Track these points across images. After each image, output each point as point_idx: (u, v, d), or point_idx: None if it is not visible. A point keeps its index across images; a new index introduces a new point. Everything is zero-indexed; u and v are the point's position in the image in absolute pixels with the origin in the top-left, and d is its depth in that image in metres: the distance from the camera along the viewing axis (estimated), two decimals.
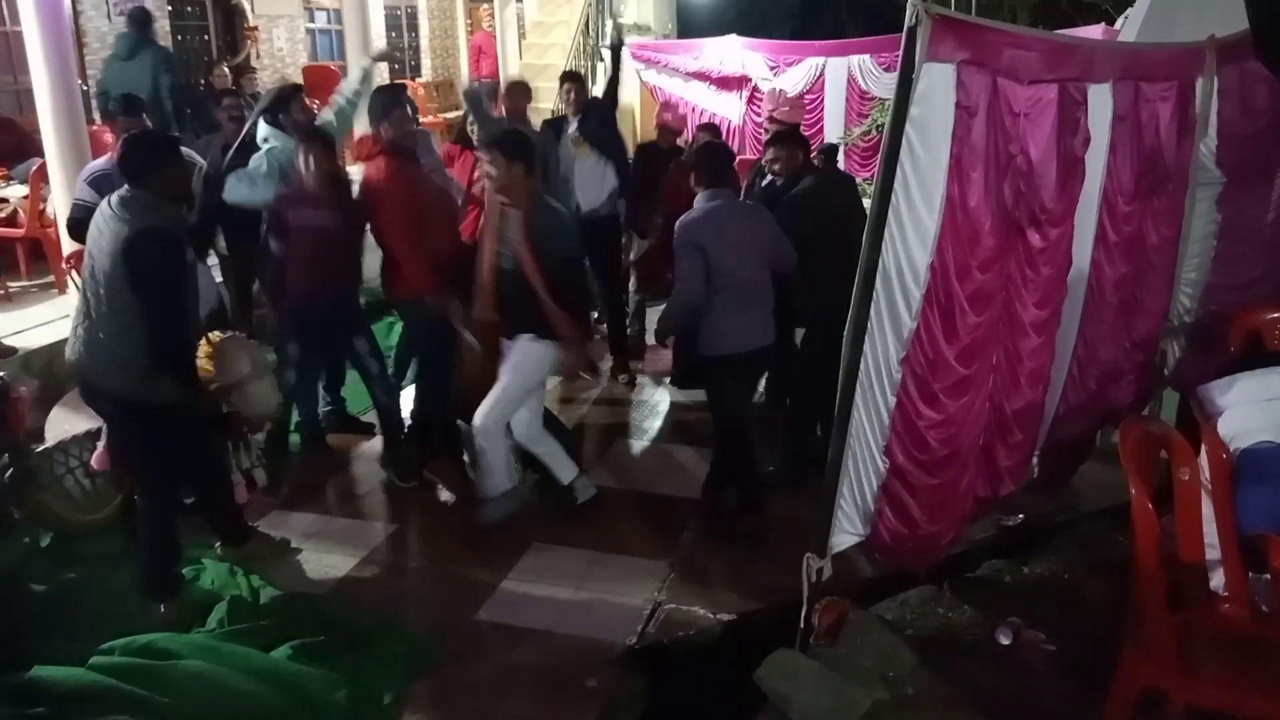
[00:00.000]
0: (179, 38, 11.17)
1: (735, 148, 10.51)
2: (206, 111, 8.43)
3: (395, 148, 4.73)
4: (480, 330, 4.39)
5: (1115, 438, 4.51)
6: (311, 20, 13.56)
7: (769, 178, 5.23)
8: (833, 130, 11.42)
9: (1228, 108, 4.26)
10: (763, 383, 5.26)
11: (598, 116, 6.28)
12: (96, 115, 8.36)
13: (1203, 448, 3.14)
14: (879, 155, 2.97)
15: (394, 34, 15.14)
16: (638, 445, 5.54)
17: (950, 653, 3.60)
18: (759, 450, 4.71)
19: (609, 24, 13.55)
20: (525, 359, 4.26)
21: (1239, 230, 4.51)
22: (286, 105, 5.50)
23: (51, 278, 6.88)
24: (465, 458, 4.84)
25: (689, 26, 16.30)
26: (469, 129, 5.90)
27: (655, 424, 5.87)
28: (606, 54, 12.85)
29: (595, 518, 4.71)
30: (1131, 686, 2.96)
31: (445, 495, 4.91)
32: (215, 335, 4.21)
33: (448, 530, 4.61)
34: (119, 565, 4.08)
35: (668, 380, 6.52)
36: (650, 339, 7.14)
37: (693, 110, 11.50)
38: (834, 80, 11.48)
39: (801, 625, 3.39)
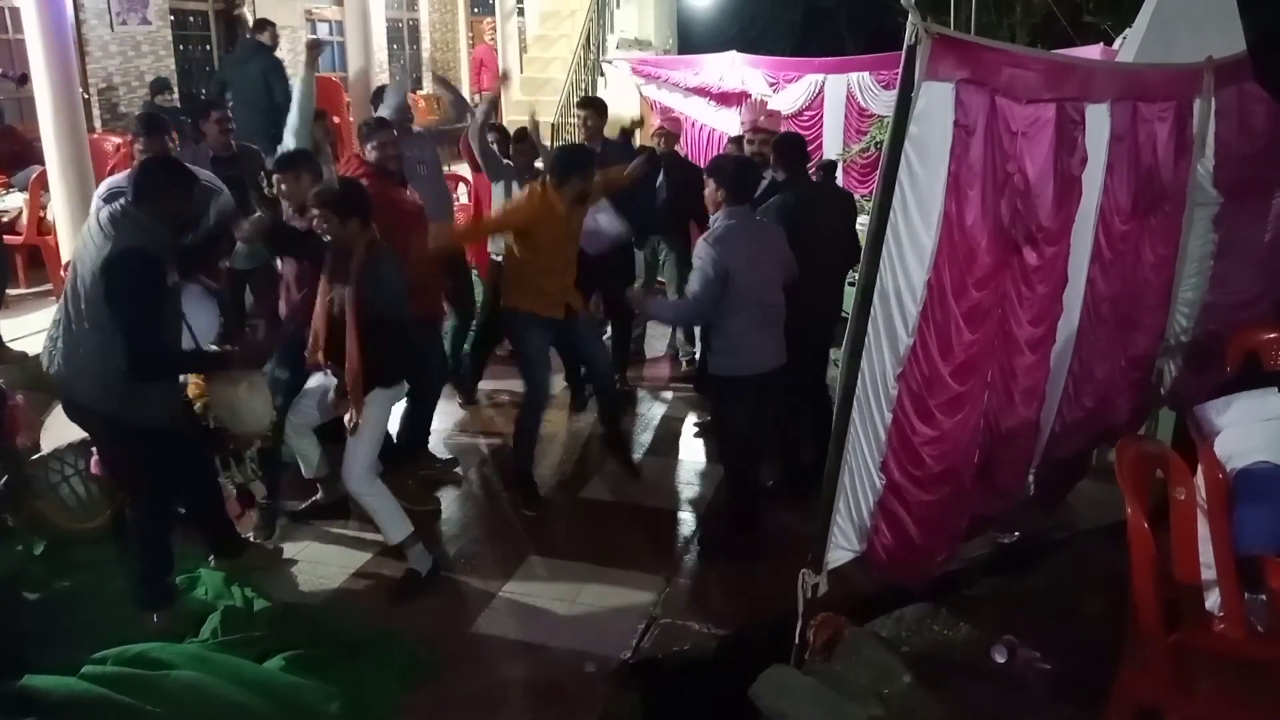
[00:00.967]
0: (180, 48, 11.21)
1: None
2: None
3: (377, 169, 4.81)
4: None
5: (1111, 456, 4.53)
6: (313, 32, 13.59)
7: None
8: (831, 146, 11.46)
9: (1225, 128, 4.28)
10: None
11: (620, 151, 6.26)
12: (98, 123, 8.40)
13: (1199, 467, 3.14)
14: (878, 172, 2.98)
15: (395, 46, 15.21)
16: (634, 458, 5.53)
17: (946, 670, 3.59)
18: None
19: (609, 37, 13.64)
20: (369, 408, 4.11)
21: (1236, 250, 4.53)
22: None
23: (50, 285, 6.88)
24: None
25: (689, 42, 16.38)
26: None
27: (651, 437, 5.87)
28: (608, 69, 12.97)
29: (591, 531, 4.72)
30: (1127, 705, 2.95)
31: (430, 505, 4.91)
32: (212, 349, 4.21)
33: (442, 542, 4.60)
34: (113, 574, 4.06)
35: (664, 394, 6.54)
36: (650, 351, 7.20)
37: (692, 125, 11.53)
38: (833, 97, 11.52)
39: (797, 641, 3.38)
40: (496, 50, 13.68)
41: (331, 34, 13.87)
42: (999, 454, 3.67)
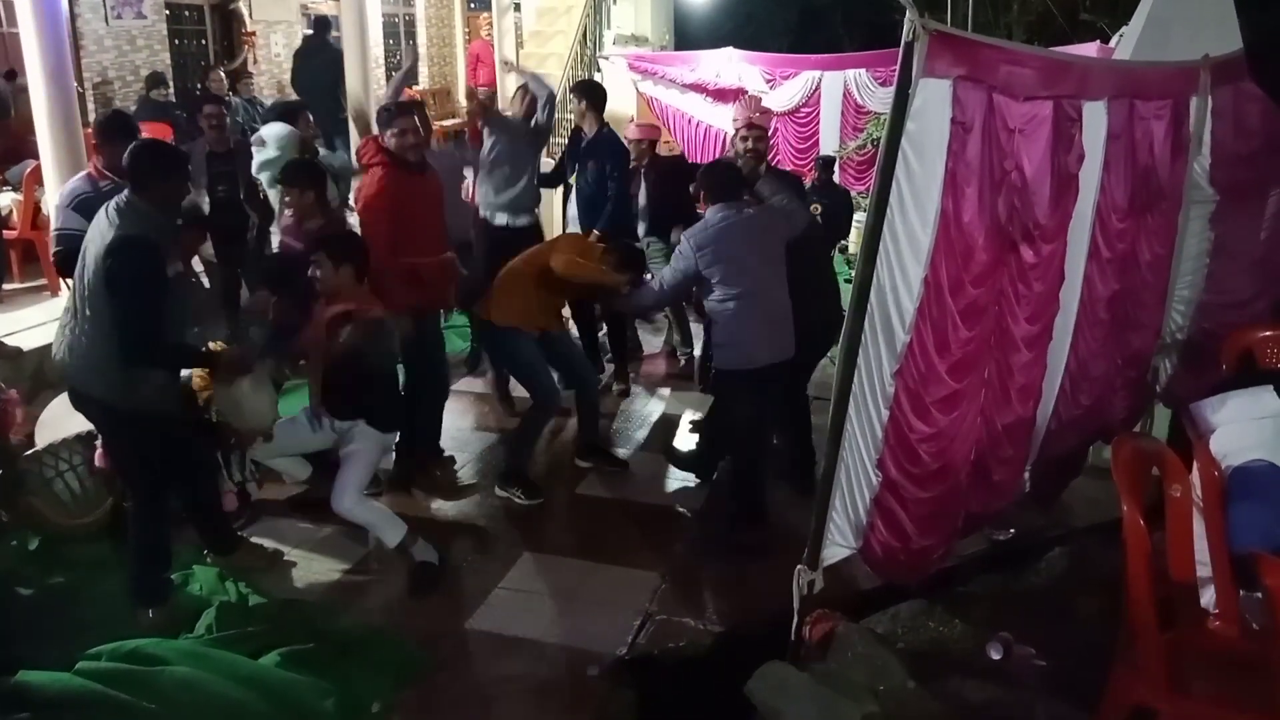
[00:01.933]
0: (176, 42, 11.18)
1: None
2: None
3: (397, 158, 4.72)
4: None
5: (1107, 453, 4.54)
6: (309, 26, 13.56)
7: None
8: (828, 143, 11.47)
9: (1221, 127, 4.28)
10: None
11: (608, 145, 6.20)
12: (92, 118, 8.37)
13: (1195, 465, 3.15)
14: (875, 169, 2.97)
15: (391, 41, 15.18)
16: (630, 455, 5.53)
17: (941, 667, 3.60)
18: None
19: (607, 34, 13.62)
20: (365, 443, 4.20)
21: (1232, 249, 4.53)
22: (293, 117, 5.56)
23: (44, 280, 6.86)
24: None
25: (686, 39, 16.36)
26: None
27: (647, 434, 5.86)
28: (604, 65, 12.96)
29: (587, 527, 4.72)
30: (1121, 704, 2.96)
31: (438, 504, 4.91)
32: (216, 345, 4.20)
33: (439, 538, 4.59)
34: (108, 570, 4.06)
35: (661, 390, 6.54)
36: (647, 348, 7.20)
37: (689, 122, 11.52)
38: (830, 94, 11.54)
39: (792, 638, 3.38)
40: (493, 45, 13.63)
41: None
42: (995, 451, 3.67)
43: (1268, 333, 4.19)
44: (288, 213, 4.69)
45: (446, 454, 5.30)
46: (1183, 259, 4.50)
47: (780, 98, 11.73)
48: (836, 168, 10.33)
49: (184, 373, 4.10)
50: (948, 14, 11.41)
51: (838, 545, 3.38)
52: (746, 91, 11.62)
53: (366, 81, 9.30)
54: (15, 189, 7.16)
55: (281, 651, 3.50)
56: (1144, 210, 4.08)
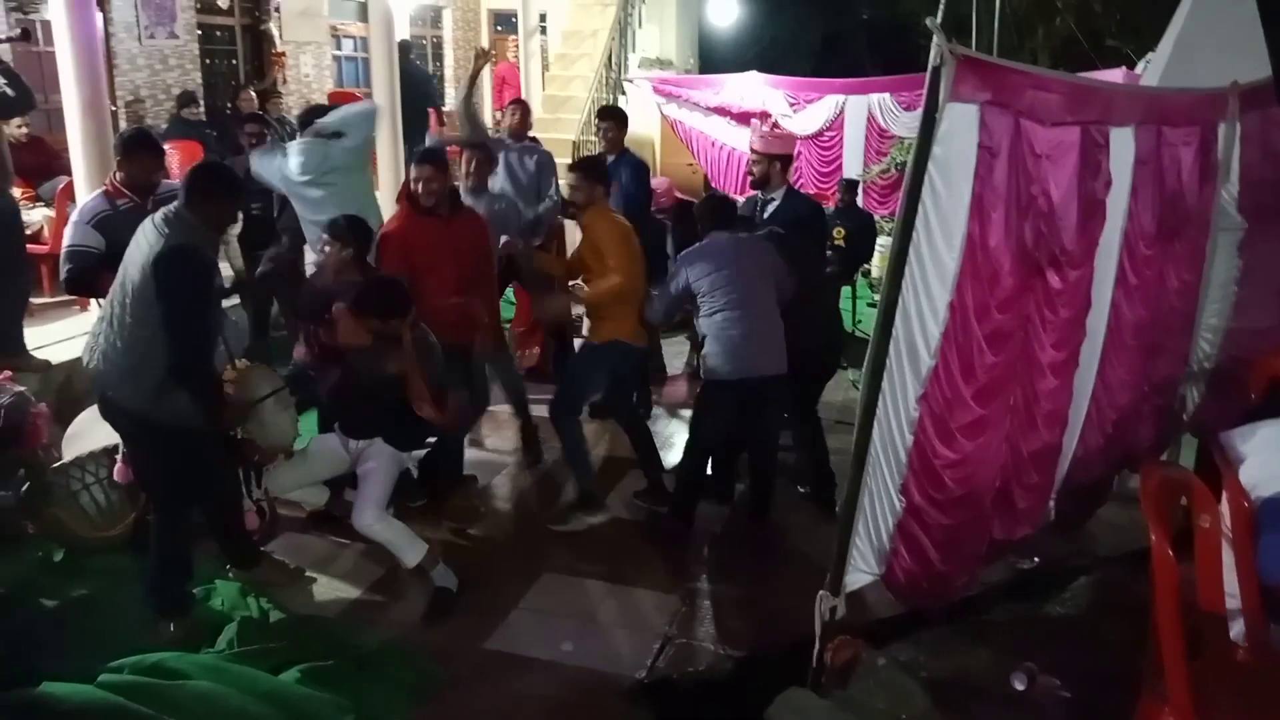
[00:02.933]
0: (207, 62, 11.32)
1: None
2: (231, 134, 8.60)
3: (415, 201, 4.79)
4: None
5: (1133, 482, 4.49)
6: (338, 47, 13.74)
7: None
8: (851, 167, 11.47)
9: (1250, 153, 4.26)
10: None
11: (632, 169, 6.21)
12: None
13: (1224, 495, 3.11)
14: (901, 193, 2.97)
15: (419, 63, 15.32)
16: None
17: (964, 696, 3.56)
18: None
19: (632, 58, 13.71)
20: (381, 460, 4.22)
21: (1260, 276, 4.49)
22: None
23: (69, 295, 6.92)
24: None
25: (710, 62, 16.43)
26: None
27: (669, 456, 5.84)
28: (629, 88, 13.03)
29: (607, 549, 4.70)
30: None
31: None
32: (242, 363, 4.22)
33: (459, 557, 4.59)
34: (130, 582, 4.07)
35: (683, 412, 6.52)
36: (670, 369, 7.20)
37: (713, 145, 11.57)
38: (854, 118, 11.54)
39: (814, 664, 3.35)
40: (519, 68, 13.76)
41: (356, 49, 14.01)
42: (1020, 478, 3.64)
43: None
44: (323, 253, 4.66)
45: (468, 474, 5.31)
46: (1211, 286, 4.47)
47: (804, 121, 11.76)
48: (860, 191, 10.32)
49: None
50: (972, 38, 11.41)
51: (860, 571, 3.36)
52: (770, 115, 11.68)
53: (394, 101, 9.42)
54: (48, 205, 7.24)
55: (301, 668, 3.50)
56: (1172, 237, 4.06)
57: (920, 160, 2.87)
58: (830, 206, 9.34)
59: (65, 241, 4.33)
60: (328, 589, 4.30)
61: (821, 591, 3.30)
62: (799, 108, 11.80)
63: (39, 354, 5.72)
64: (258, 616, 3.93)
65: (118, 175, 4.39)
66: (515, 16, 14.12)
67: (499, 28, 16.57)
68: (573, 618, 4.12)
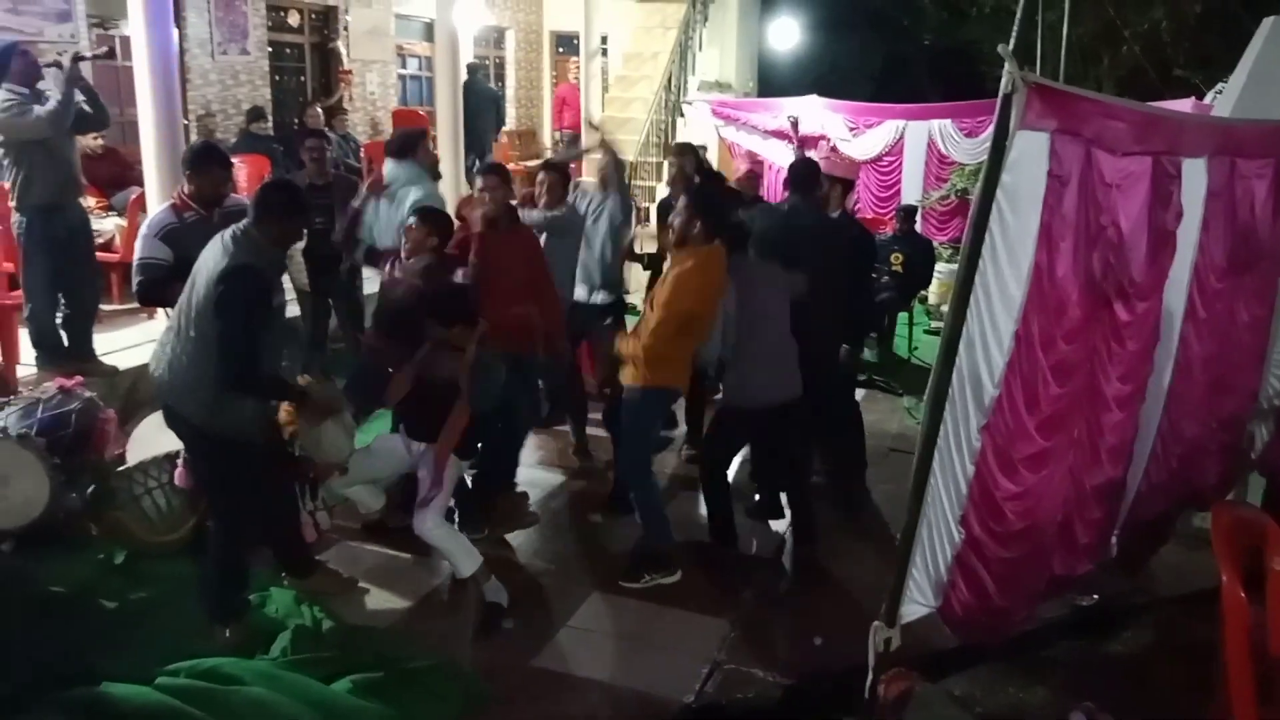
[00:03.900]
0: (277, 78, 11.59)
1: None
2: (296, 149, 8.76)
3: (484, 220, 4.88)
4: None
5: (1197, 520, 4.38)
6: (404, 66, 13.98)
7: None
8: (910, 193, 11.40)
9: None
10: None
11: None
12: None
13: None
14: (968, 221, 2.93)
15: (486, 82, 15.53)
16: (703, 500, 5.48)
17: None
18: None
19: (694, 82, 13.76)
20: (447, 469, 4.23)
21: None
22: (414, 148, 5.68)
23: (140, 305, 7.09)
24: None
25: (770, 86, 16.44)
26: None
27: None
28: (688, 110, 13.08)
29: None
30: None
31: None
32: (304, 378, 4.29)
33: (508, 574, 4.60)
34: (189, 587, 4.14)
35: None
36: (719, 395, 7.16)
37: (770, 168, 11.57)
38: (914, 143, 11.50)
39: (867, 696, 3.30)
40: (579, 89, 13.90)
41: (421, 68, 14.25)
42: (1082, 513, 3.56)
43: None
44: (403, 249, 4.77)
45: (520, 489, 5.33)
46: None
47: (863, 146, 11.72)
48: (918, 217, 10.25)
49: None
50: (1037, 65, 11.28)
51: (917, 603, 3.30)
52: (829, 139, 11.66)
53: (457, 119, 9.56)
54: (120, 215, 7.45)
55: (353, 678, 3.53)
56: (1243, 270, 3.96)
57: (988, 188, 2.83)
58: (888, 232, 9.28)
59: (136, 254, 4.44)
60: (380, 600, 4.33)
61: (876, 623, 3.25)
62: (858, 132, 11.77)
63: (107, 360, 5.87)
64: (311, 625, 3.96)
65: (186, 188, 4.47)
66: (577, 39, 14.29)
67: (560, 49, 16.75)
68: (621, 638, 4.11)
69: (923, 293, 9.67)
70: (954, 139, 11.17)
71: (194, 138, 9.05)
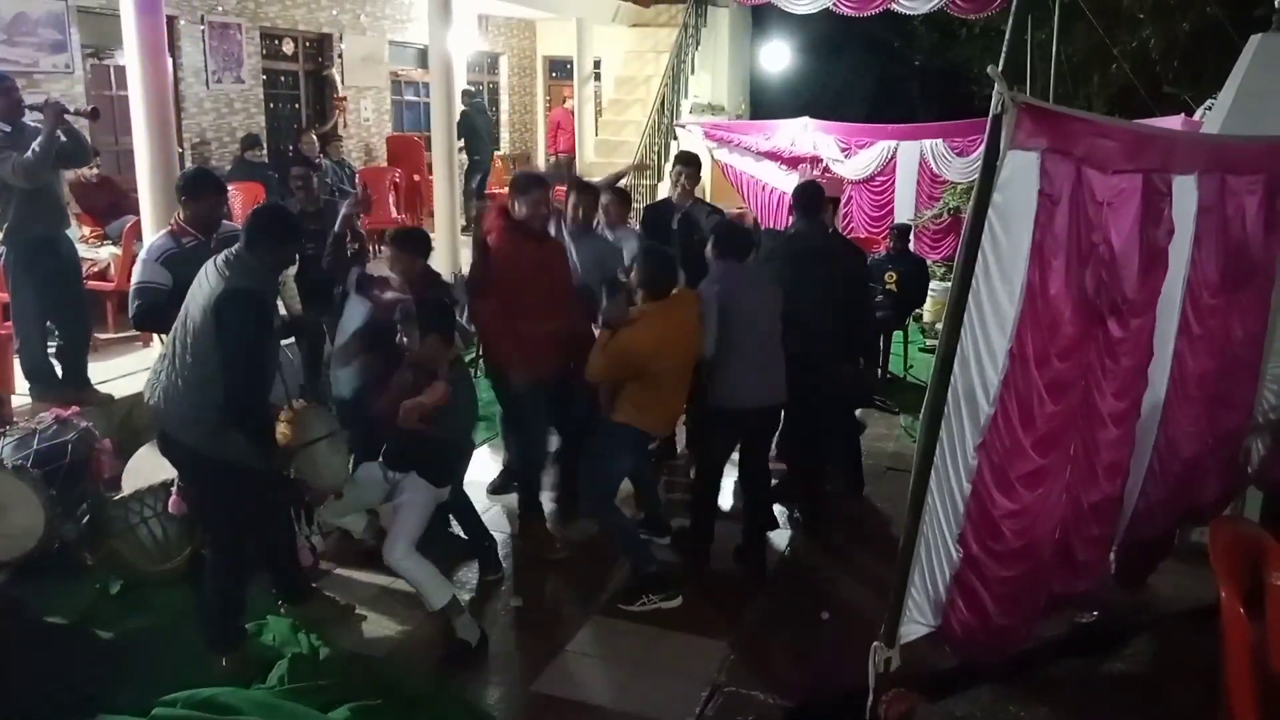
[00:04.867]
0: (271, 106, 11.63)
1: None
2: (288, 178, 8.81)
3: (522, 226, 4.84)
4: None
5: (1195, 536, 4.38)
6: (398, 93, 14.05)
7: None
8: (903, 212, 11.46)
9: None
10: None
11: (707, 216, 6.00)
12: None
13: None
14: (960, 240, 2.95)
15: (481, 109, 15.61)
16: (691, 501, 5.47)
17: None
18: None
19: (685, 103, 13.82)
20: (415, 494, 4.22)
21: None
22: None
23: (137, 330, 7.10)
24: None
25: (762, 108, 16.55)
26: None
27: (729, 504, 5.80)
28: (680, 132, 13.14)
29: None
30: None
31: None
32: (298, 403, 4.28)
33: (508, 597, 4.60)
34: (185, 616, 4.13)
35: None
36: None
37: (763, 189, 11.63)
38: (906, 163, 11.57)
39: (868, 717, 3.29)
40: (573, 114, 13.98)
41: (416, 95, 14.31)
42: (1081, 530, 3.56)
43: None
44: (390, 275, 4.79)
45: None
46: (1276, 337, 4.37)
47: (855, 166, 11.79)
48: (911, 236, 10.30)
49: None
50: (1027, 85, 11.37)
51: (916, 623, 3.29)
52: (821, 160, 11.73)
53: (451, 143, 9.61)
54: (115, 243, 7.46)
55: (351, 706, 3.51)
56: (1236, 286, 3.98)
57: (980, 207, 2.85)
58: (882, 251, 9.32)
59: (134, 279, 4.42)
60: (378, 626, 4.31)
61: (876, 643, 3.24)
62: (850, 153, 11.85)
63: (102, 389, 5.86)
64: (308, 653, 3.94)
65: (181, 214, 4.48)
66: (570, 63, 14.39)
67: (554, 74, 16.86)
68: (621, 662, 4.09)
69: (917, 311, 9.69)
70: (946, 158, 11.25)
71: (189, 165, 9.07)
